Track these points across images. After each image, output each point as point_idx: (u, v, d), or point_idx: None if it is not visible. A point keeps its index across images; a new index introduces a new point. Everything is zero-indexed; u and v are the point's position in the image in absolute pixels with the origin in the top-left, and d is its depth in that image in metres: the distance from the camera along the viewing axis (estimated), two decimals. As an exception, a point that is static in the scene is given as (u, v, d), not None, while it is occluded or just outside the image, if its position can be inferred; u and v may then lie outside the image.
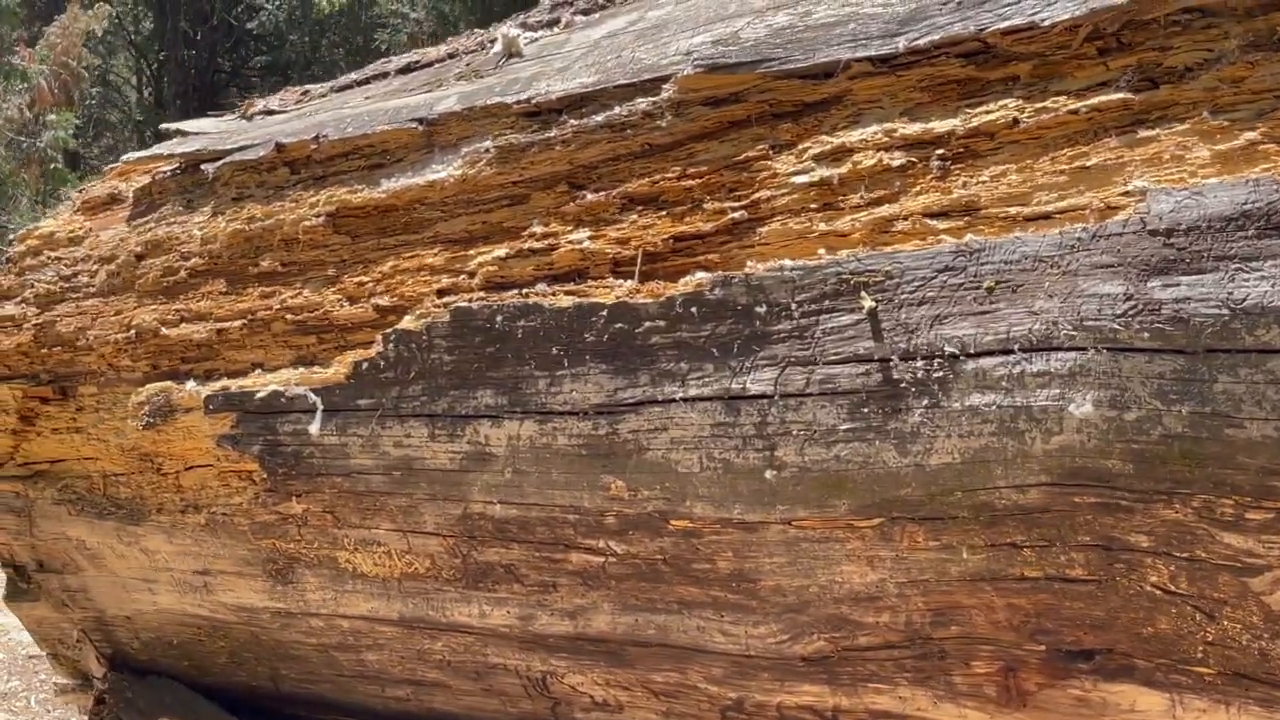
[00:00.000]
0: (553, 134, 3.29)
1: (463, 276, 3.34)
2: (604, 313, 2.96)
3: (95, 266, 4.27)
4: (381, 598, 3.55)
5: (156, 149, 4.37)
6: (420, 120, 3.59)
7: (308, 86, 4.50)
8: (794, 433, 2.63)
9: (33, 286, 4.39)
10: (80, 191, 4.71)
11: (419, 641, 3.57)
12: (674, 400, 2.83)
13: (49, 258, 4.43)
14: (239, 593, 3.88)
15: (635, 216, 3.09)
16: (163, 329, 3.94)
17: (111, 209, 4.45)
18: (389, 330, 3.36)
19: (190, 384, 3.82)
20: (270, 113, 4.30)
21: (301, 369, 3.60)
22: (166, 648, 4.32)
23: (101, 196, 4.49)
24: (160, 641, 4.31)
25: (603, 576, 3.10)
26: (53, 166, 24.96)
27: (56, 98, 24.91)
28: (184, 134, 4.35)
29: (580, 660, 3.29)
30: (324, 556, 3.60)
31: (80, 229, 4.43)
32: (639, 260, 3.03)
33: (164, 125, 4.60)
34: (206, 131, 4.31)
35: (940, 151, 2.63)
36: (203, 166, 4.10)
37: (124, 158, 4.47)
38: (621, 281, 3.04)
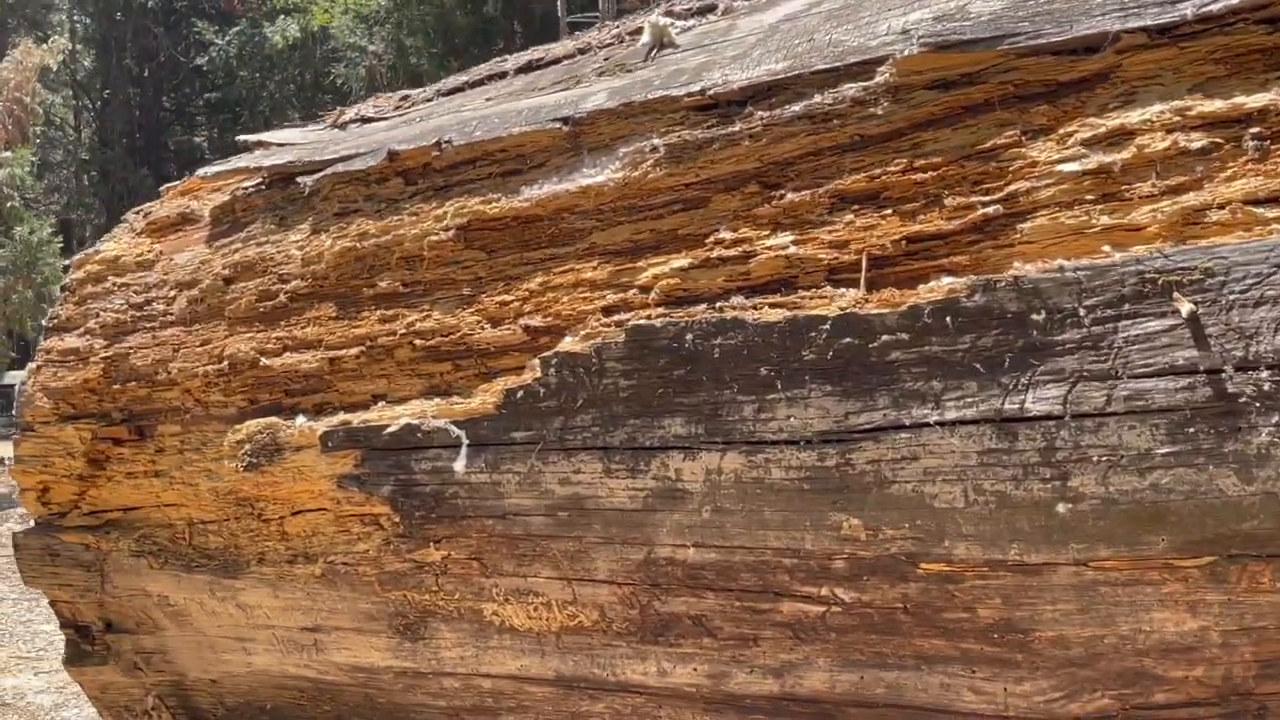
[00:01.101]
0: (737, 128, 2.91)
1: (633, 291, 2.95)
2: (826, 326, 2.58)
3: (172, 293, 3.85)
4: (534, 654, 3.14)
5: (235, 162, 3.96)
6: (564, 120, 3.21)
7: (406, 92, 4.11)
8: (1094, 459, 2.25)
9: (98, 316, 3.96)
10: (139, 213, 4.27)
11: (575, 703, 3.16)
12: (926, 425, 2.45)
13: (115, 284, 4.00)
14: (356, 651, 3.45)
15: (850, 217, 2.72)
16: (262, 359, 3.52)
17: (183, 230, 4.03)
18: (547, 354, 2.97)
19: (300, 419, 3.40)
20: (366, 120, 3.90)
21: (437, 400, 3.19)
22: (257, 714, 3.87)
23: (170, 217, 4.07)
24: (250, 707, 3.86)
25: (820, 629, 2.70)
26: (9, 205, 24.31)
27: (10, 134, 24.28)
28: (266, 145, 3.93)
29: (780, 723, 2.89)
30: (466, 609, 3.18)
31: (149, 252, 4.01)
32: (864, 266, 2.65)
33: (241, 137, 4.19)
34: (294, 143, 3.90)
35: (1255, 130, 2.26)
36: (298, 180, 3.69)
37: (200, 172, 4.06)
38: (842, 291, 2.65)
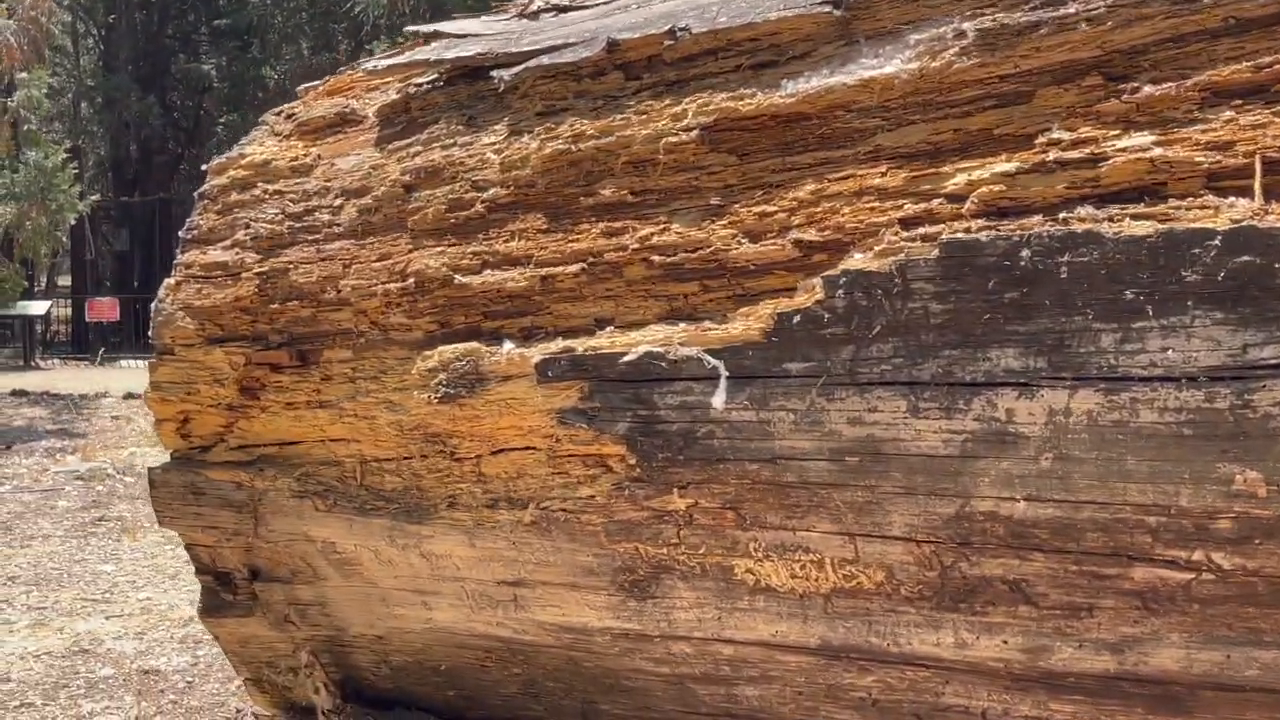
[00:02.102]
0: (1071, 10, 2.46)
1: (937, 201, 2.51)
2: (1215, 242, 2.14)
3: (338, 201, 3.40)
4: (794, 619, 2.73)
5: (408, 55, 3.49)
6: (834, 3, 2.73)
7: (605, -23, 3.62)
8: None
9: (247, 227, 3.50)
10: (281, 114, 3.80)
11: (838, 675, 2.75)
12: (1359, 360, 2.01)
13: (266, 192, 3.54)
14: (567, 609, 3.03)
15: (1230, 114, 2.26)
16: (457, 277, 3.08)
17: (343, 132, 3.57)
18: (832, 273, 2.53)
19: (507, 345, 2.96)
20: (564, 9, 3.43)
21: (683, 325, 2.76)
22: (428, 674, 3.46)
23: (326, 117, 3.61)
24: (420, 667, 3.45)
25: (1179, 599, 2.29)
26: (26, 128, 23.73)
27: (26, 55, 23.64)
28: (441, 37, 3.46)
29: (1103, 705, 2.48)
30: (712, 566, 2.76)
31: (305, 156, 3.55)
32: (1258, 171, 2.20)
33: (410, 29, 3.71)
34: (476, 33, 3.44)
35: None
36: (494, 74, 3.22)
37: (367, 65, 3.59)
38: (1231, 200, 2.21)
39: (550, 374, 2.88)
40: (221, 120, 37.53)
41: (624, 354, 2.80)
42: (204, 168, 3.76)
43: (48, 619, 6.24)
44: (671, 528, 2.80)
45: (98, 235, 34.16)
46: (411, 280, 3.17)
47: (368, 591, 3.39)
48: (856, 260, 2.53)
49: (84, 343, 29.24)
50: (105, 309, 28.95)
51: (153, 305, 3.59)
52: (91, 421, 16.27)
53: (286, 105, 3.89)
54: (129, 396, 18.53)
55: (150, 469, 3.64)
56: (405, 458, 3.22)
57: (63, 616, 6.26)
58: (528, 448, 3.01)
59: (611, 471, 2.85)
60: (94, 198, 25.65)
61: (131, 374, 22.98)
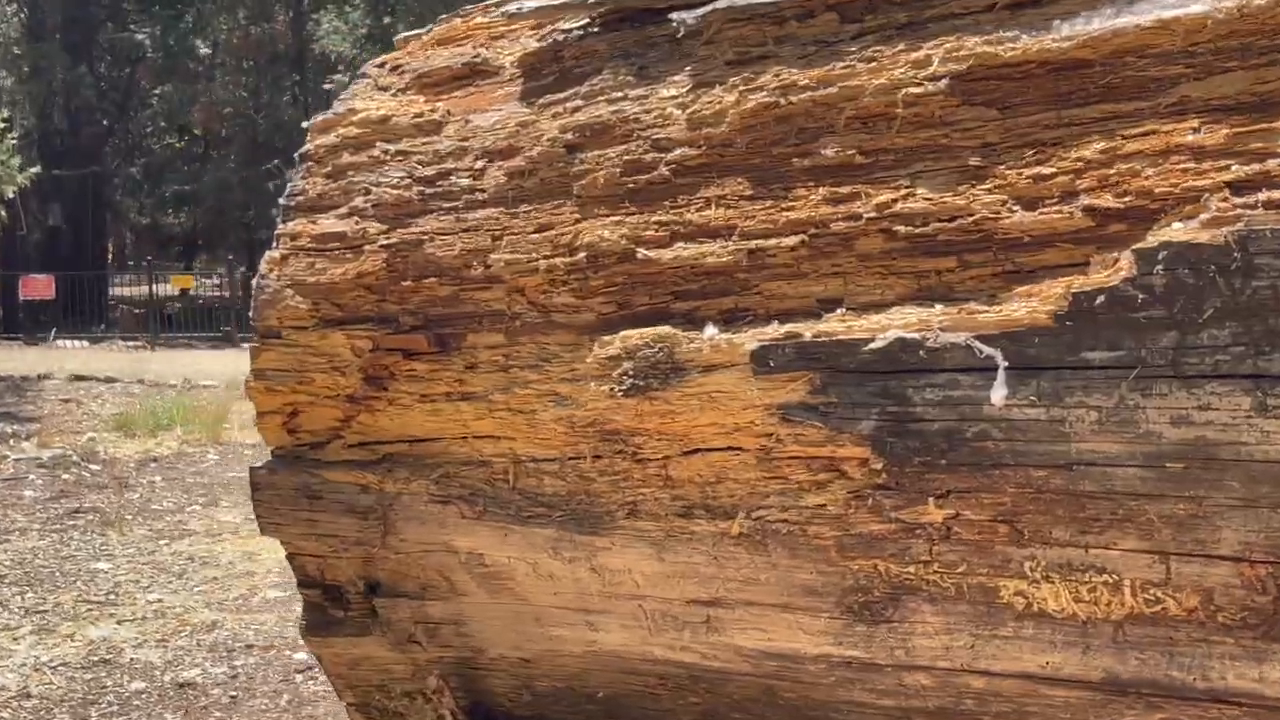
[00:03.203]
0: None
1: (1274, 162, 2.10)
2: None
3: (480, 164, 2.96)
4: (1072, 648, 2.34)
5: (550, -2, 3.04)
6: (1114, -68, 2.33)
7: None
8: None
9: (367, 193, 3.05)
10: (385, 66, 3.34)
11: (1117, 712, 2.38)
12: None
13: (387, 153, 3.09)
14: (774, 633, 2.62)
15: None
16: (640, 250, 2.65)
17: (475, 85, 3.13)
18: (1146, 246, 2.12)
19: (710, 330, 2.54)
20: (740, -55, 2.98)
21: (940, 306, 2.36)
22: (580, 702, 3.04)
23: (453, 68, 3.16)
24: (573, 694, 3.02)
25: None
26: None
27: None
28: (590, -24, 3.01)
29: None
30: (971, 586, 2.37)
31: (432, 112, 3.10)
32: None
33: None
34: (636, -28, 2.99)
35: None
36: (673, 18, 2.78)
37: (504, 9, 3.12)
38: None
39: (771, 363, 2.46)
40: (156, 92, 36.51)
41: (867, 340, 2.38)
42: (305, 125, 3.28)
43: (52, 624, 5.74)
44: (923, 543, 2.40)
45: (27, 210, 33.11)
46: (582, 254, 2.74)
47: (518, 610, 2.95)
48: (1177, 231, 2.14)
49: (15, 322, 28.25)
50: (40, 287, 28.02)
51: (254, 282, 3.13)
52: (39, 405, 15.60)
53: (388, 56, 3.43)
54: (77, 379, 17.83)
55: (253, 469, 3.18)
56: (572, 458, 2.79)
57: (68, 621, 5.77)
58: (731, 448, 2.59)
59: (846, 477, 2.44)
60: (34, 170, 24.76)
61: (71, 354, 22.22)
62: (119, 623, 5.77)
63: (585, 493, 2.80)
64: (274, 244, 3.18)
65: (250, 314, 3.14)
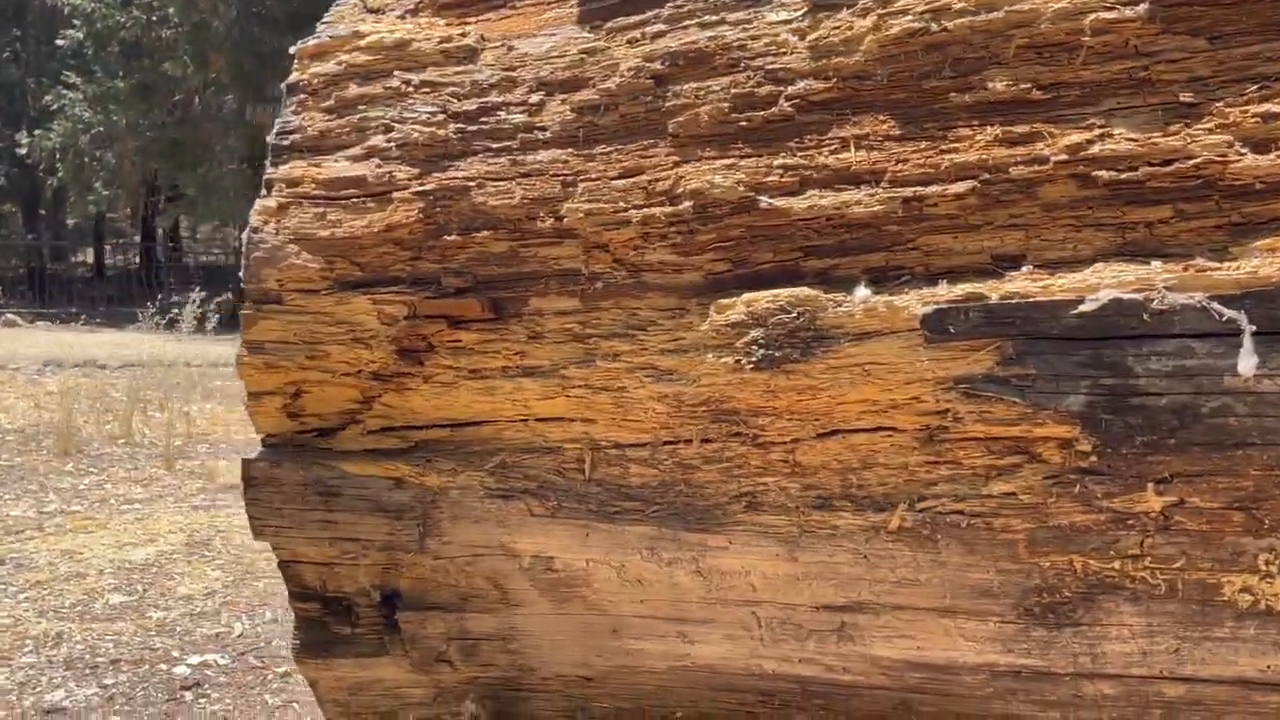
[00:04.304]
0: None
1: None
2: None
3: (536, 97, 2.51)
4: (1298, 650, 2.07)
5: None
6: None
7: None
8: None
9: (388, 130, 2.56)
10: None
11: (1335, 716, 2.11)
12: None
13: (408, 84, 2.61)
14: (929, 640, 2.29)
15: None
16: (763, 199, 2.26)
17: (511, 6, 2.69)
18: None
19: (862, 291, 2.18)
20: None
21: (1158, 263, 2.05)
22: (648, 724, 2.63)
23: (480, -14, 2.67)
24: (641, 716, 2.62)
25: None
26: None
27: None
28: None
29: None
30: (1187, 583, 2.09)
31: (462, 37, 2.63)
32: None
33: None
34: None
35: None
36: (781, -73, 2.40)
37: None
38: None
39: (951, 329, 2.11)
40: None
41: (1073, 303, 2.06)
42: (292, 51, 2.74)
43: None
44: (1134, 535, 2.09)
45: None
46: (687, 204, 2.33)
47: (589, 621, 2.52)
48: None
49: None
50: None
51: (244, 236, 2.57)
52: None
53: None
54: None
55: (248, 461, 2.63)
56: (668, 442, 2.38)
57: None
58: (882, 429, 2.23)
59: (1039, 460, 2.12)
60: None
61: None
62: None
63: (685, 483, 2.39)
64: (265, 190, 2.63)
65: (241, 275, 2.59)
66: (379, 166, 2.56)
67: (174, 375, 10.94)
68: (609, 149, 2.44)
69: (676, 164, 2.38)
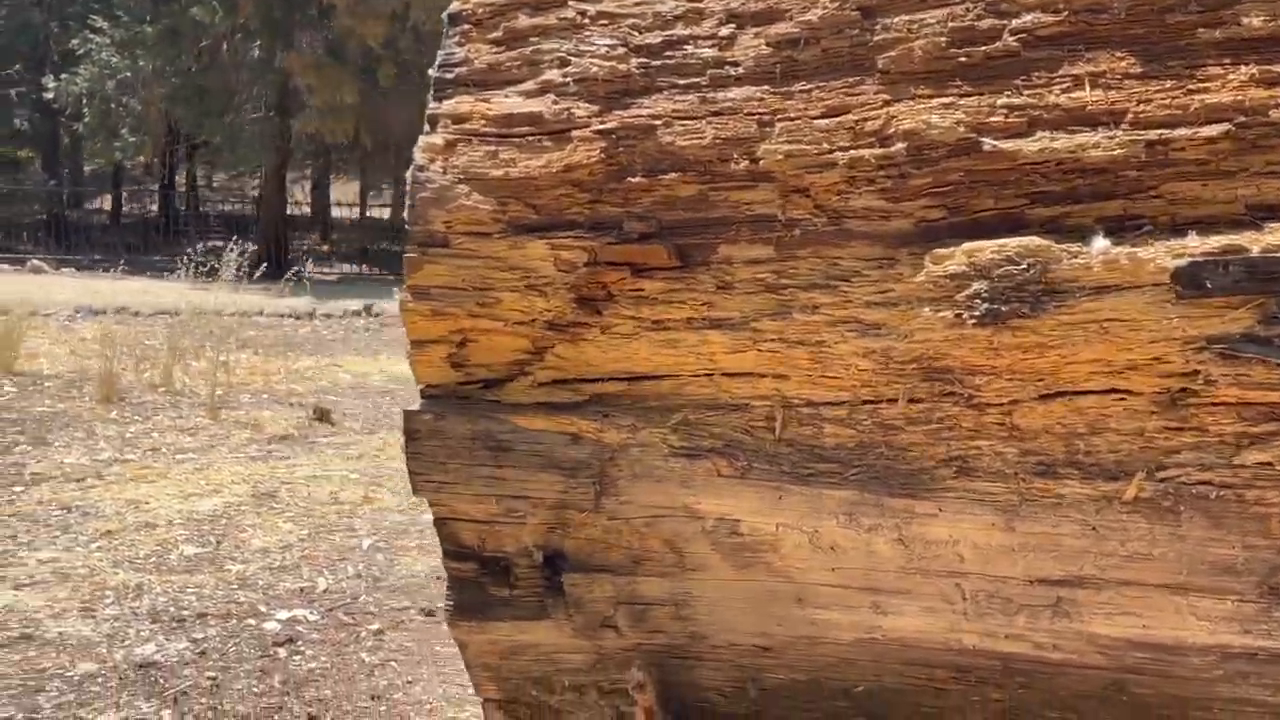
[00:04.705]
0: None
1: None
2: None
3: (727, 30, 2.38)
4: None
5: None
6: None
7: None
8: None
9: (563, 64, 2.41)
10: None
11: None
12: None
13: (583, 15, 2.46)
14: (1156, 618, 2.15)
15: None
16: (986, 141, 2.10)
17: (691, -66, 2.48)
18: None
19: (1100, 242, 2.03)
20: None
21: None
22: (824, 698, 2.51)
23: (656, -89, 2.50)
24: (818, 689, 2.49)
25: None
26: None
27: None
28: None
29: None
30: None
31: (639, -35, 2.44)
32: None
33: None
34: None
35: None
36: None
37: None
38: None
39: (1208, 284, 1.95)
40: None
41: (1350, 256, 1.89)
42: (451, -23, 2.58)
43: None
44: (1401, 509, 1.93)
45: None
46: (900, 146, 2.17)
47: (772, 589, 2.38)
48: None
49: None
50: None
51: (409, 175, 2.42)
52: None
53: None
54: None
55: (410, 414, 2.49)
56: (868, 401, 2.23)
57: (-56, 591, 4.80)
58: (1114, 391, 2.08)
59: (1326, 428, 1.95)
60: None
61: None
62: (15, 588, 4.86)
63: (886, 445, 2.24)
64: (428, 126, 2.47)
65: (406, 215, 2.43)
66: (555, 103, 2.40)
67: (207, 324, 10.80)
68: (809, 86, 2.28)
69: (887, 103, 2.22)
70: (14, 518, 5.86)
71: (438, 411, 2.48)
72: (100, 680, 3.95)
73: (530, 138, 2.40)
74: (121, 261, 20.91)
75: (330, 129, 20.48)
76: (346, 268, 24.43)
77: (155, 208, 30.69)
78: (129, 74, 21.76)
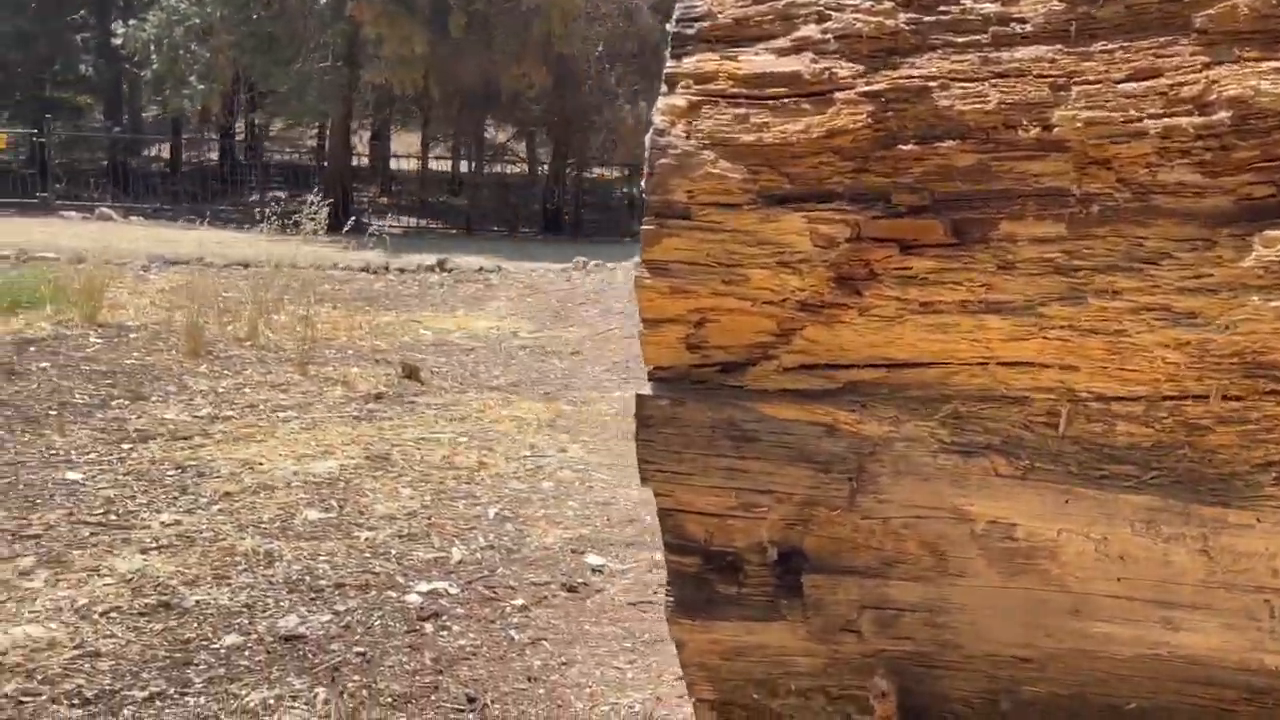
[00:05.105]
0: None
1: None
2: None
3: (1017, -18, 2.10)
4: None
5: None
6: None
7: None
8: None
9: (822, 20, 2.20)
10: None
11: None
12: None
13: (849, -38, 2.20)
14: None
15: None
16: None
17: (960, -124, 2.24)
18: None
19: None
20: None
21: None
22: (1086, 714, 2.28)
23: None
24: (1080, 703, 2.31)
25: None
26: None
27: None
28: None
29: None
30: None
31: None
32: None
33: None
34: None
35: None
36: None
37: None
38: None
39: None
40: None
41: None
42: (689, -79, 2.35)
43: (58, 553, 4.63)
44: None
45: None
46: (1222, 114, 1.94)
47: (1044, 598, 2.18)
48: None
49: None
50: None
51: (648, 140, 2.21)
52: None
53: None
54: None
55: (643, 398, 2.30)
56: (1168, 397, 2.00)
57: (75, 549, 4.67)
58: None
59: None
60: None
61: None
62: (143, 552, 4.71)
63: (1189, 445, 2.02)
64: (666, 86, 2.25)
65: (644, 184, 2.22)
66: (814, 62, 2.18)
67: (282, 277, 10.65)
68: (1110, 46, 2.05)
69: (1205, 65, 1.99)
70: (130, 476, 5.72)
71: (675, 397, 2.28)
72: (247, 653, 3.80)
73: (786, 100, 2.19)
74: (183, 210, 20.87)
75: (399, 79, 20.25)
76: (408, 220, 24.26)
77: (214, 156, 30.58)
78: (197, 20, 21.59)
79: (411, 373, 8.68)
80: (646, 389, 2.32)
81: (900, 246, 2.13)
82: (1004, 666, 2.32)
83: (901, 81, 2.14)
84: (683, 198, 2.21)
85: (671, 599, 2.45)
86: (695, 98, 2.24)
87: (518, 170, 27.44)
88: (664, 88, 2.28)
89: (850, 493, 2.21)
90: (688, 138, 2.21)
